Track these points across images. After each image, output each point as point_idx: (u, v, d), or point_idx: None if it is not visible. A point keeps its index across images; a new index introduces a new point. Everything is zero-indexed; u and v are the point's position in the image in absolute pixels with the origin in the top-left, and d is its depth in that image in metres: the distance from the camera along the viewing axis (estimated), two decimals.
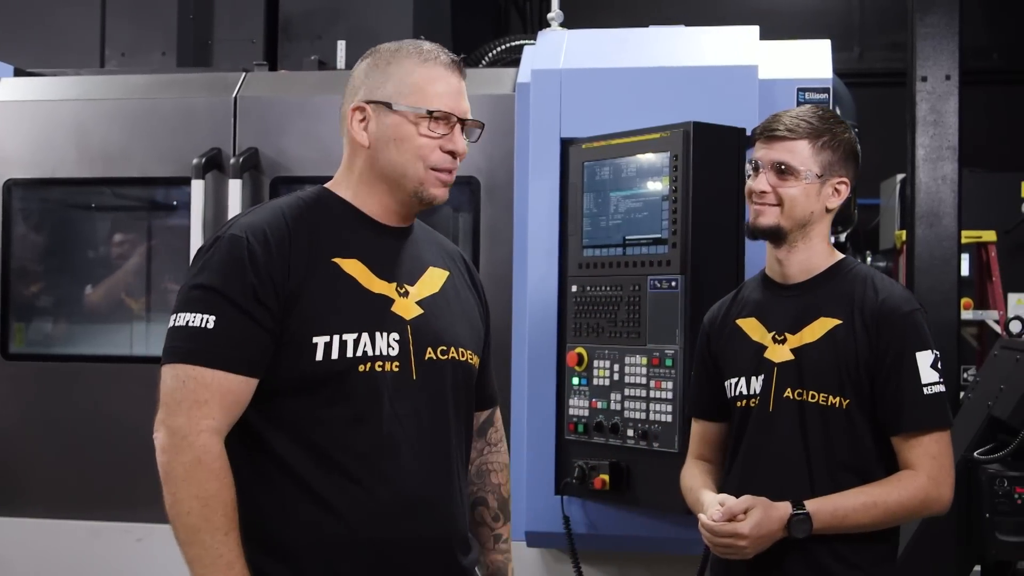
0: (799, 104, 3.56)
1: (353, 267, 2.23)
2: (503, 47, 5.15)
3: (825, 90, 3.63)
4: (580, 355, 3.53)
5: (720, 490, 2.69)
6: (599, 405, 3.48)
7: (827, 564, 2.59)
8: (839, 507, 2.55)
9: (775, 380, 2.66)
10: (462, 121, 2.29)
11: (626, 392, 3.41)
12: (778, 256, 2.72)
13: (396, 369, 2.22)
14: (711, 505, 2.63)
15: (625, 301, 3.43)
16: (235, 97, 4.19)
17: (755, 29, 3.76)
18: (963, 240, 4.80)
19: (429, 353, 2.28)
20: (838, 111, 3.79)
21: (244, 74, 4.32)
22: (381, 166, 2.26)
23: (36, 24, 5.20)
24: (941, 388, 2.60)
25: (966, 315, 6.49)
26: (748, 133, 3.36)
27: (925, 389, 2.57)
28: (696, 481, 2.80)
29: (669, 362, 3.29)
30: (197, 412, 2.10)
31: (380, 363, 2.21)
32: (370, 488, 2.18)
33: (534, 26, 7.79)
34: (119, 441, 4.12)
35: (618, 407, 3.43)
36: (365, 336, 2.20)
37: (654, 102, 3.58)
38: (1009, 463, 3.45)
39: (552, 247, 3.68)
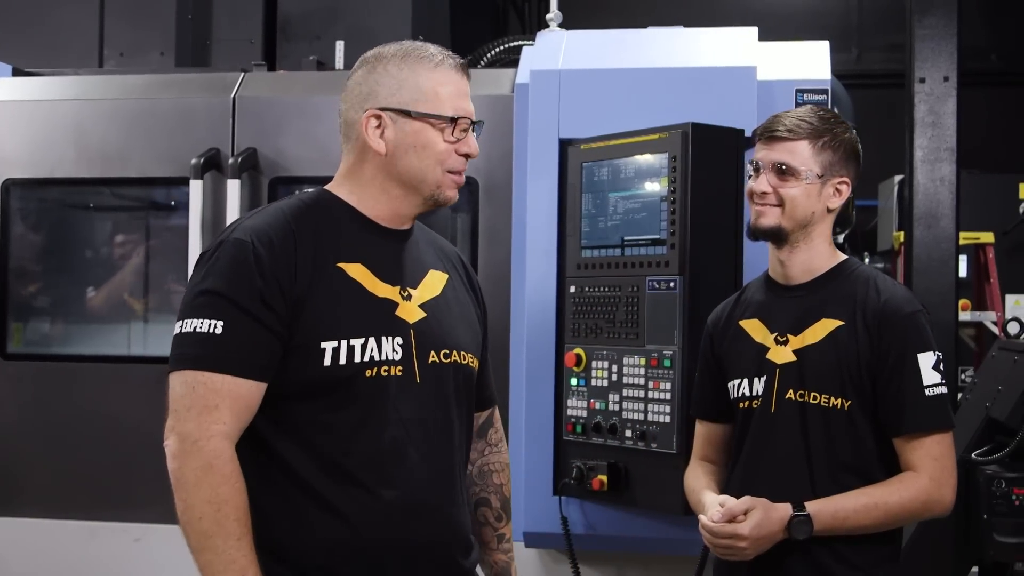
0: (798, 105, 3.56)
1: (357, 271, 2.23)
2: (502, 48, 5.15)
3: (824, 91, 3.63)
4: (578, 356, 3.53)
5: (723, 491, 2.70)
6: (597, 406, 3.48)
7: (828, 565, 2.59)
8: (840, 508, 2.55)
9: (777, 381, 2.66)
10: (472, 123, 2.33)
11: (624, 393, 3.41)
12: (780, 257, 2.73)
13: (400, 373, 2.23)
14: (711, 506, 2.64)
15: (623, 302, 3.43)
16: (234, 97, 4.19)
17: (754, 30, 3.76)
18: (961, 241, 4.80)
19: (432, 356, 2.29)
20: (836, 112, 3.80)
21: (243, 74, 4.32)
22: (399, 172, 2.27)
23: (35, 24, 5.19)
24: (943, 389, 2.59)
25: (964, 316, 6.50)
26: (747, 134, 3.37)
27: (927, 390, 2.57)
28: (699, 482, 2.80)
29: (667, 363, 3.29)
30: (207, 417, 2.09)
31: (386, 368, 2.21)
32: (377, 493, 2.18)
33: (532, 27, 7.79)
34: (117, 441, 4.12)
35: (616, 408, 3.43)
36: (372, 341, 2.20)
37: (653, 103, 3.58)
38: (1007, 464, 3.46)
39: (551, 248, 3.68)
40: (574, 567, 3.63)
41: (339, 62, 4.69)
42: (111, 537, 4.12)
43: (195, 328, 2.12)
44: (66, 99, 4.34)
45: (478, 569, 2.43)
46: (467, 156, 2.32)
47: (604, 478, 3.41)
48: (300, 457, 2.16)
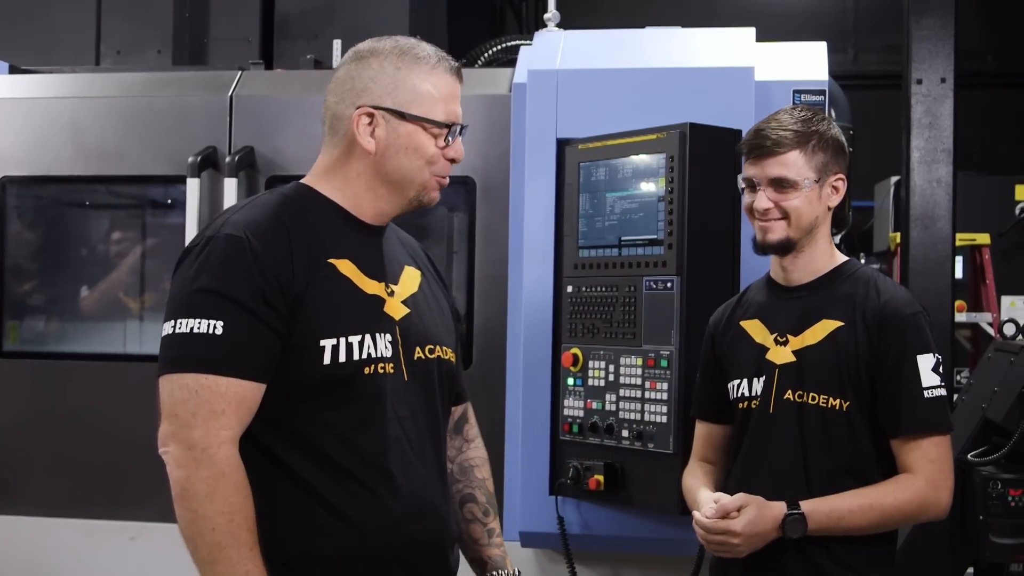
0: (795, 106, 3.56)
1: (347, 267, 2.21)
2: (499, 47, 5.14)
3: (821, 92, 3.63)
4: (575, 355, 3.52)
5: (720, 491, 2.70)
6: (594, 406, 3.47)
7: (823, 565, 2.59)
8: (835, 508, 2.55)
9: (776, 382, 2.67)
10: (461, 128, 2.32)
11: (621, 393, 3.41)
12: (783, 263, 2.73)
13: (392, 371, 2.21)
14: (706, 503, 2.64)
15: (620, 302, 3.43)
16: (231, 96, 4.19)
17: (751, 31, 3.76)
18: (957, 243, 4.81)
19: (418, 353, 2.28)
20: (833, 113, 3.80)
21: (240, 73, 4.31)
22: (387, 172, 2.25)
23: (32, 21, 5.18)
24: (942, 392, 2.59)
25: (960, 317, 6.51)
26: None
27: (925, 392, 2.57)
28: (696, 481, 2.80)
29: (664, 363, 3.29)
30: (215, 423, 2.03)
31: (381, 365, 2.19)
32: (378, 493, 2.16)
33: (530, 26, 7.79)
34: (113, 439, 4.11)
35: (613, 408, 3.43)
36: (368, 338, 2.18)
37: (651, 103, 3.57)
38: (1003, 465, 3.46)
39: (548, 248, 3.67)
40: (570, 567, 3.62)
41: (336, 61, 4.69)
42: (107, 535, 4.11)
43: (192, 329, 2.05)
44: (63, 97, 4.33)
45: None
46: (453, 161, 2.30)
47: (601, 478, 3.41)
48: (300, 460, 2.13)
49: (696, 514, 2.64)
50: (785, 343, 2.68)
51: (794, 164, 2.65)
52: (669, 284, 3.31)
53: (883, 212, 7.92)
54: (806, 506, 2.55)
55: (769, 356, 2.70)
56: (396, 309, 2.26)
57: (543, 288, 3.66)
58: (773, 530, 2.55)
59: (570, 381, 3.55)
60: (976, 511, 3.41)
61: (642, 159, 3.41)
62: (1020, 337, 3.94)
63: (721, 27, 3.86)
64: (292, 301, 2.11)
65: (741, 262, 3.40)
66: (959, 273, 6.45)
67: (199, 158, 4.08)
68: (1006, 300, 7.02)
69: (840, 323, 2.63)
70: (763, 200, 2.67)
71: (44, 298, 4.47)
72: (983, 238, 7.10)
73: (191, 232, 4.07)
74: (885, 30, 9.35)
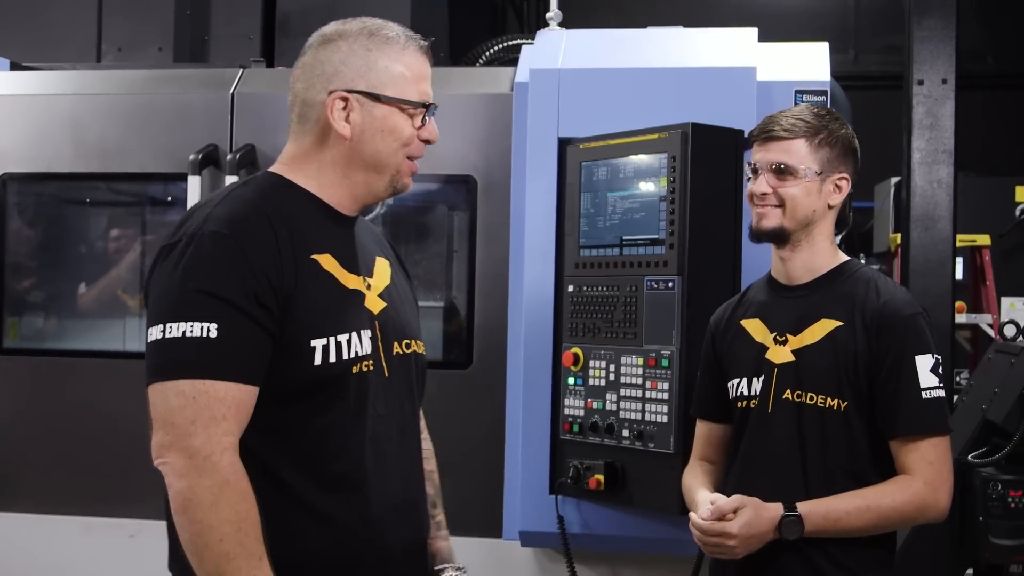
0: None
1: (329, 262, 2.15)
2: (501, 46, 5.15)
3: (823, 92, 3.63)
4: (576, 355, 3.52)
5: (719, 491, 2.70)
6: (595, 405, 3.47)
7: (822, 567, 2.58)
8: (832, 510, 2.54)
9: (775, 381, 2.66)
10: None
11: (622, 392, 3.41)
12: (782, 256, 2.73)
13: (372, 368, 2.16)
14: (703, 504, 2.64)
15: (622, 301, 3.43)
16: (232, 93, 4.18)
17: (753, 31, 3.76)
18: (957, 244, 4.81)
19: (396, 348, 2.23)
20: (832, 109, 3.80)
21: (241, 70, 4.31)
22: (363, 156, 2.19)
23: (33, 18, 5.18)
24: (940, 393, 2.58)
25: (960, 319, 6.51)
26: (746, 135, 3.37)
27: (924, 393, 2.55)
28: (695, 481, 2.80)
29: (665, 363, 3.29)
30: (216, 430, 1.94)
31: (367, 363, 2.14)
32: (361, 493, 2.12)
33: (531, 26, 7.80)
34: (112, 437, 4.11)
35: (614, 407, 3.43)
36: (355, 336, 2.13)
37: (652, 103, 3.57)
38: (1003, 467, 3.46)
39: (549, 247, 3.67)
40: (570, 566, 3.62)
41: None
42: (106, 532, 4.11)
43: (184, 332, 1.96)
44: (64, 94, 4.33)
45: None
46: (428, 142, 2.25)
47: (601, 478, 3.41)
48: (283, 463, 2.06)
49: (693, 516, 2.64)
50: (784, 342, 2.68)
51: (797, 152, 2.65)
52: (670, 284, 3.31)
53: (883, 213, 7.93)
54: (803, 507, 2.54)
55: (768, 355, 2.69)
56: (374, 303, 2.21)
57: (544, 287, 3.66)
58: (770, 532, 2.54)
59: (571, 380, 3.54)
60: (976, 512, 3.41)
61: (644, 159, 3.41)
62: (1020, 338, 3.94)
63: (721, 27, 3.86)
64: (283, 300, 2.04)
65: (742, 262, 3.40)
66: (959, 274, 6.45)
67: (200, 156, 4.07)
68: (1006, 301, 7.03)
69: (839, 323, 2.63)
70: (762, 184, 2.67)
71: (44, 295, 4.47)
72: (983, 239, 7.11)
73: None
74: (885, 31, 9.36)
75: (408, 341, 2.28)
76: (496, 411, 3.78)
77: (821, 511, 2.54)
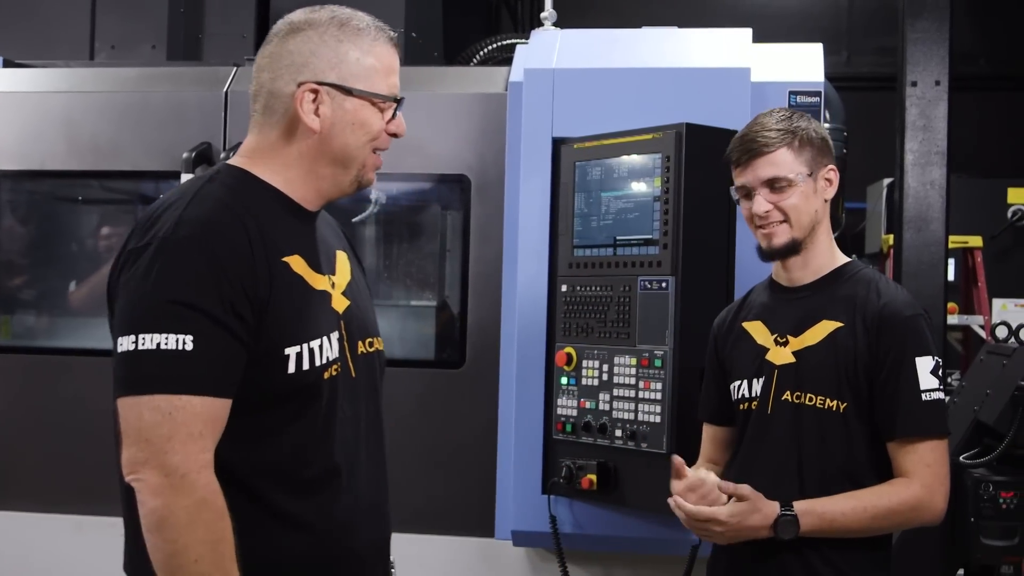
0: (790, 107, 3.57)
1: (298, 264, 2.07)
2: (495, 46, 5.14)
3: (817, 93, 3.64)
4: (569, 355, 3.53)
5: None
6: (587, 405, 3.48)
7: (816, 568, 2.58)
8: (828, 510, 2.54)
9: (775, 383, 2.66)
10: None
11: (615, 392, 3.41)
12: (785, 261, 2.73)
13: (340, 370, 2.11)
14: (692, 476, 2.61)
15: (615, 301, 3.43)
16: (226, 92, 4.18)
17: (748, 31, 3.76)
18: (949, 245, 4.82)
19: (360, 347, 2.19)
20: (827, 115, 3.81)
21: (235, 68, 4.30)
22: (332, 150, 2.12)
23: (26, 15, 5.16)
24: (940, 395, 2.57)
25: (951, 320, 6.53)
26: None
27: (923, 395, 2.55)
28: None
29: (659, 363, 3.30)
30: (194, 447, 1.87)
31: (336, 366, 2.09)
32: (331, 497, 2.08)
33: (525, 25, 7.80)
34: (105, 435, 4.01)
35: (607, 407, 3.43)
36: (325, 340, 2.07)
37: (647, 103, 3.58)
38: (994, 468, 3.46)
39: (542, 247, 3.67)
40: (562, 566, 3.63)
41: None
42: (98, 531, 4.09)
43: (159, 344, 1.87)
44: (57, 91, 4.32)
45: None
46: (395, 135, 2.19)
47: (593, 477, 3.41)
48: (257, 473, 2.00)
49: (678, 498, 2.60)
50: (785, 344, 2.68)
51: (784, 162, 2.65)
52: (664, 284, 3.31)
53: (875, 214, 7.93)
54: (799, 507, 2.54)
55: (769, 357, 2.69)
56: (339, 302, 2.15)
57: (537, 287, 3.66)
58: (763, 529, 2.54)
59: (564, 380, 3.55)
60: (967, 513, 3.41)
61: (638, 159, 3.41)
62: (1012, 340, 3.94)
63: (714, 27, 3.86)
64: (258, 309, 1.96)
65: (736, 263, 3.40)
66: (951, 275, 6.46)
67: (193, 154, 4.06)
68: (998, 303, 7.04)
69: (840, 324, 2.63)
70: (761, 203, 2.66)
71: (35, 293, 4.46)
72: (975, 240, 7.12)
73: None
74: (878, 33, 9.38)
75: (371, 340, 2.23)
76: (489, 411, 3.78)
77: (817, 511, 2.54)
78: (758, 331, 2.75)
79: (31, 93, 4.33)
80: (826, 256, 2.72)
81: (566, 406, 3.53)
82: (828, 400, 2.60)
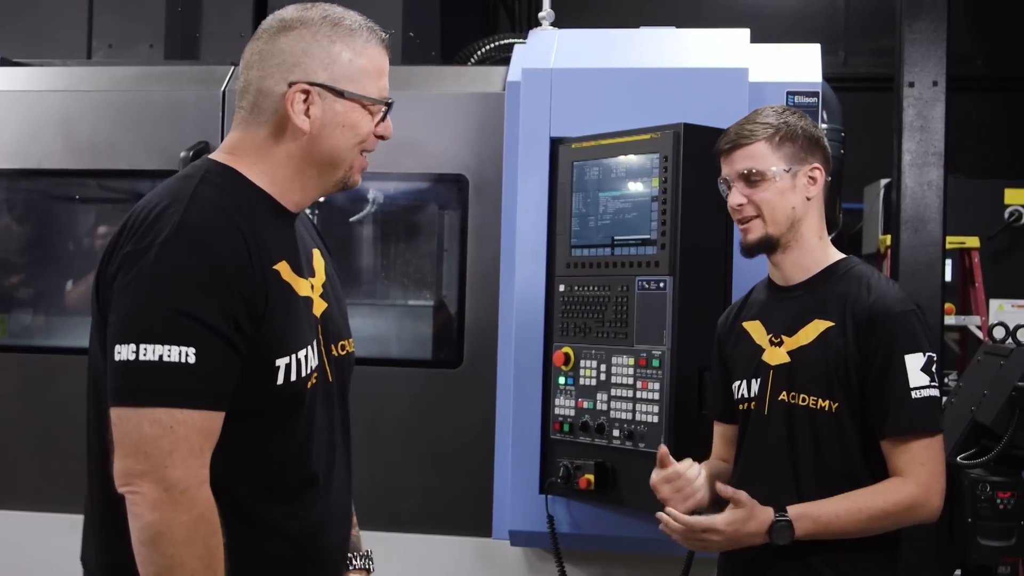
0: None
1: (286, 271, 2.04)
2: (493, 45, 5.14)
3: (814, 93, 3.64)
4: (567, 355, 3.52)
5: None
6: (585, 405, 3.48)
7: (819, 571, 2.57)
8: (822, 513, 2.53)
9: (770, 383, 2.66)
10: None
11: (612, 392, 3.41)
12: (773, 260, 2.73)
13: (319, 376, 2.09)
14: (680, 465, 2.63)
15: (613, 301, 3.43)
16: (223, 91, 4.17)
17: (746, 32, 3.77)
18: (946, 246, 4.81)
19: (335, 350, 2.17)
20: (825, 115, 3.81)
21: (232, 68, 4.29)
22: (320, 152, 2.09)
23: (23, 14, 5.16)
24: (932, 392, 2.55)
25: (949, 320, 6.54)
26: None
27: (913, 392, 2.53)
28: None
29: (656, 363, 3.30)
30: (195, 462, 1.85)
31: (317, 374, 2.07)
32: (307, 502, 2.07)
33: (522, 25, 7.80)
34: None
35: (604, 407, 3.43)
36: (308, 350, 2.05)
37: (645, 103, 3.58)
38: (992, 468, 3.47)
39: (540, 246, 3.67)
40: (560, 566, 3.62)
41: None
42: None
43: (162, 356, 1.83)
44: (54, 90, 4.31)
45: None
46: (382, 138, 2.17)
47: (591, 477, 3.41)
48: (239, 481, 1.97)
49: (671, 511, 2.60)
50: (780, 344, 2.68)
51: (760, 155, 2.65)
52: (662, 284, 3.31)
53: (872, 215, 7.94)
54: (793, 512, 2.53)
55: (765, 357, 2.69)
56: (318, 306, 2.13)
57: (535, 287, 3.66)
58: (758, 535, 2.53)
59: (561, 380, 3.54)
60: (964, 513, 3.42)
61: (635, 159, 3.41)
62: (1009, 340, 3.95)
63: (712, 27, 3.86)
64: (256, 320, 1.94)
65: (734, 263, 3.40)
66: (948, 276, 6.46)
67: (191, 153, 4.05)
68: (995, 303, 7.05)
69: (831, 323, 2.61)
70: (735, 195, 2.67)
71: (33, 292, 4.45)
72: (972, 241, 7.13)
73: None
74: (875, 33, 9.38)
75: (343, 343, 2.21)
76: (486, 410, 3.78)
77: (811, 515, 2.53)
78: (756, 331, 2.75)
79: (28, 92, 4.33)
80: (816, 254, 2.71)
81: (564, 406, 3.53)
82: (820, 400, 2.59)
